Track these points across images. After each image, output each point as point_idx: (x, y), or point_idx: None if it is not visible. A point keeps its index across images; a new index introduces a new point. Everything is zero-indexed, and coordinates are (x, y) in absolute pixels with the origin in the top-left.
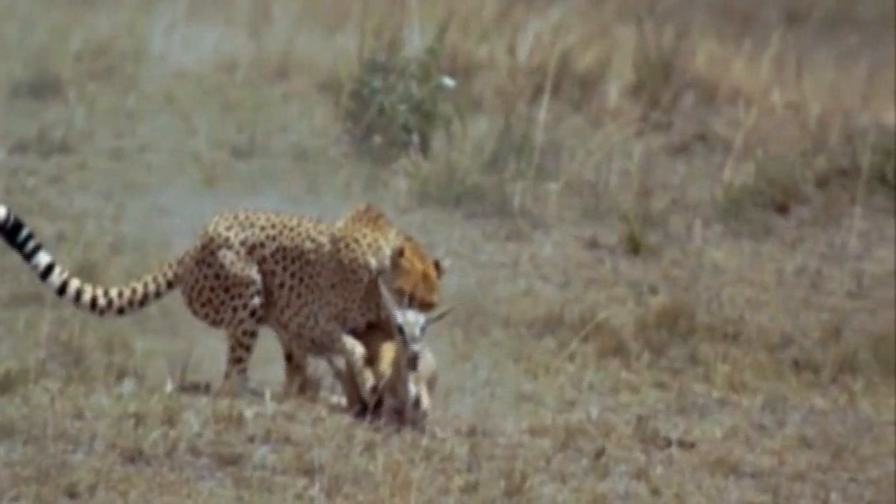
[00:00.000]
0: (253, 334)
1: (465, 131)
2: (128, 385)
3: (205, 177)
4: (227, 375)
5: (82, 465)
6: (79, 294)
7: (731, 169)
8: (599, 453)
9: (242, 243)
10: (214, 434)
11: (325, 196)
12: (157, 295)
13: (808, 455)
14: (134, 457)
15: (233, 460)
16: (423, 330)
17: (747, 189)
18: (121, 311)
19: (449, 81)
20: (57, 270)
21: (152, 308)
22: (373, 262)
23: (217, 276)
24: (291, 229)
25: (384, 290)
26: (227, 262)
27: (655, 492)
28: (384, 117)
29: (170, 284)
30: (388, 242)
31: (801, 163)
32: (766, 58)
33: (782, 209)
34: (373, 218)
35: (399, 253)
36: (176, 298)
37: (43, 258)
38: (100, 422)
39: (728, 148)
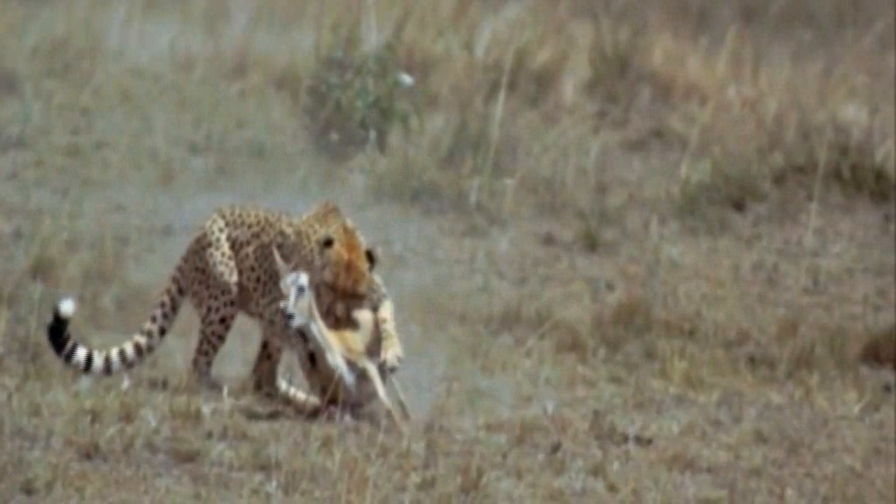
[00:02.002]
0: (221, 337)
1: (422, 128)
2: (84, 382)
3: (162, 173)
4: (193, 363)
5: (39, 462)
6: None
7: (687, 165)
8: (556, 449)
9: (231, 244)
10: (171, 430)
11: (283, 192)
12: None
13: (763, 450)
14: (91, 453)
15: (190, 457)
16: (299, 290)
17: (704, 185)
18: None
19: (406, 78)
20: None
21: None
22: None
23: (203, 272)
24: (270, 225)
25: (277, 258)
26: (212, 262)
27: (612, 487)
28: (341, 114)
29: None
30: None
31: (758, 159)
32: (722, 54)
33: (739, 206)
34: (324, 213)
35: (326, 243)
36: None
37: (80, 353)
38: (56, 418)
39: (684, 144)
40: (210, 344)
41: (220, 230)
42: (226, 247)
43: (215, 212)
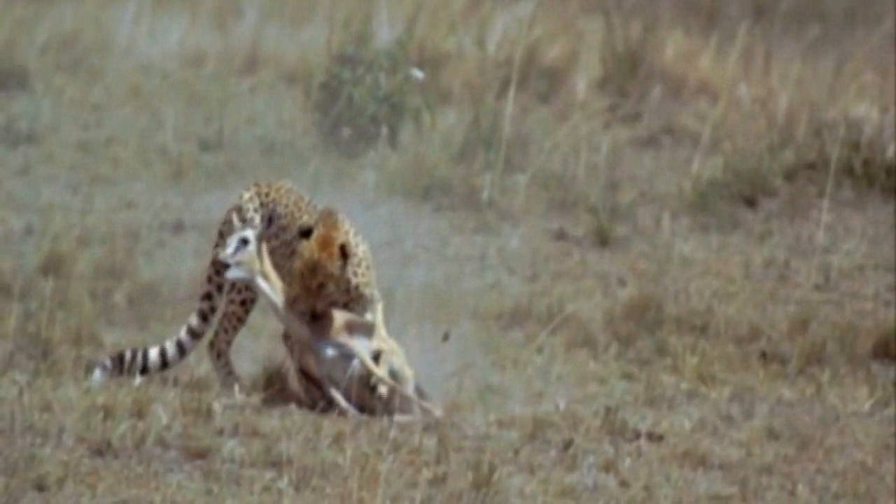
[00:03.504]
0: (241, 319)
1: (434, 124)
2: (96, 378)
3: (172, 170)
4: (211, 344)
5: (50, 458)
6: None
7: (698, 162)
8: (567, 445)
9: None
10: (183, 427)
11: None
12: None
13: (775, 446)
14: (102, 450)
15: (201, 453)
16: (242, 241)
17: (715, 182)
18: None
19: (417, 74)
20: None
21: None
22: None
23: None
24: (293, 216)
25: (234, 219)
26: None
27: (624, 484)
28: (352, 110)
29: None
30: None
31: (769, 156)
32: (733, 51)
33: (750, 202)
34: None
35: (303, 233)
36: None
37: (153, 353)
38: (68, 415)
39: (696, 141)
40: (230, 324)
41: (255, 210)
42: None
43: (253, 185)
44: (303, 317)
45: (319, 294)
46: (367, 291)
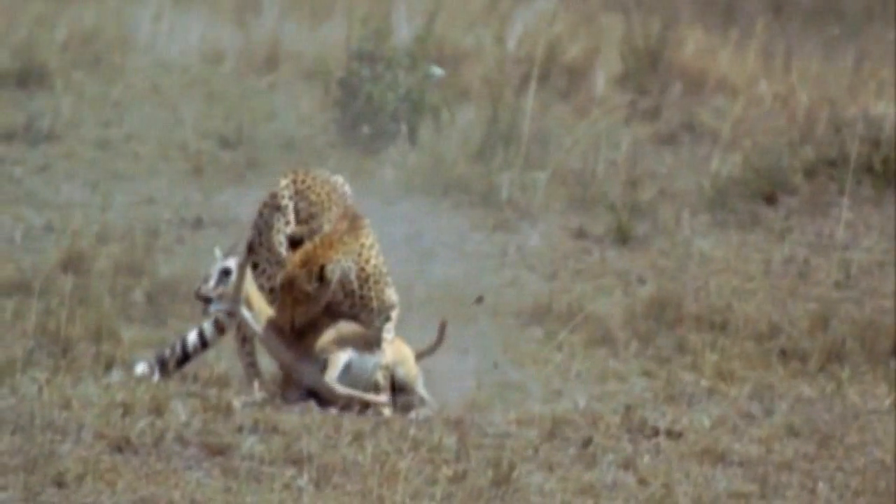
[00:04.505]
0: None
1: (453, 121)
2: (115, 375)
3: (191, 166)
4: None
5: (70, 455)
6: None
7: (718, 159)
8: (587, 443)
9: (296, 214)
10: (202, 424)
11: None
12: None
13: (795, 444)
14: (121, 446)
15: (220, 450)
16: (223, 272)
17: (735, 179)
18: None
19: (437, 71)
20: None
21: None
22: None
23: (266, 234)
24: (323, 209)
25: (217, 252)
26: (275, 229)
27: (643, 481)
28: (372, 107)
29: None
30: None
31: (789, 153)
32: (752, 48)
33: (770, 199)
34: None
35: (293, 242)
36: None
37: (191, 337)
38: (87, 411)
39: (716, 138)
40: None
41: (290, 198)
42: (291, 217)
43: (291, 172)
44: (284, 337)
45: (294, 310)
46: (375, 304)
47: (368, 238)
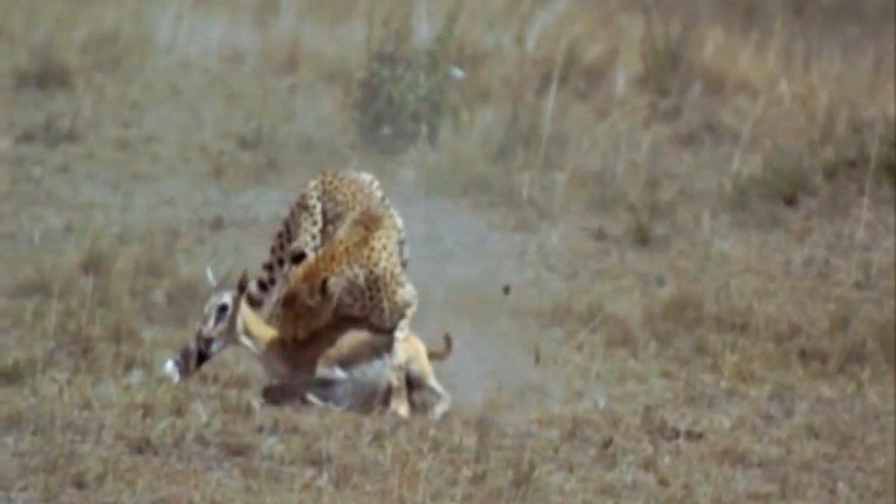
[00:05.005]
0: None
1: (473, 121)
2: (136, 375)
3: (211, 167)
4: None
5: (90, 455)
6: None
7: (738, 159)
8: (607, 443)
9: (323, 215)
10: (222, 424)
11: None
12: None
13: (815, 444)
14: (142, 447)
15: (241, 450)
16: (220, 309)
17: (755, 180)
18: None
19: (457, 72)
20: None
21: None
22: None
23: (289, 231)
24: (348, 209)
25: (209, 276)
26: (301, 228)
27: (663, 482)
28: (392, 107)
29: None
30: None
31: (809, 154)
32: (772, 48)
33: (790, 200)
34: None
35: (295, 258)
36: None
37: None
38: (107, 412)
39: (736, 138)
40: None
41: (318, 198)
42: (318, 217)
43: (320, 173)
44: (284, 354)
45: (297, 324)
46: (386, 307)
47: (380, 240)
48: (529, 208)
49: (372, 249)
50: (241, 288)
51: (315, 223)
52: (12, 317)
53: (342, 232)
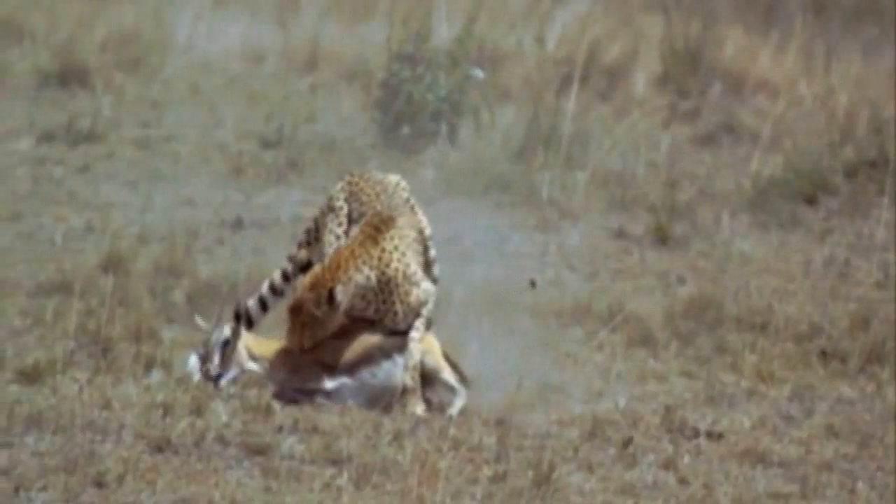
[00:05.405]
0: None
1: (493, 121)
2: (156, 375)
3: (232, 167)
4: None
5: (110, 455)
6: None
7: (758, 160)
8: (627, 443)
9: (348, 217)
10: (242, 424)
11: None
12: None
13: (835, 444)
14: (162, 447)
15: (261, 450)
16: (224, 345)
17: (775, 180)
18: None
19: (477, 72)
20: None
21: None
22: None
23: (317, 230)
24: (372, 209)
25: (198, 321)
26: (327, 230)
27: (683, 481)
28: (412, 107)
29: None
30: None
31: (829, 154)
32: (792, 49)
33: (810, 200)
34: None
35: (302, 267)
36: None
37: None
38: (128, 412)
39: (755, 138)
40: None
41: (345, 199)
42: (343, 219)
43: (348, 174)
44: (289, 365)
45: (303, 333)
46: (399, 308)
47: (392, 241)
48: (550, 208)
49: (383, 250)
50: (238, 317)
51: (340, 224)
52: (33, 316)
53: (351, 236)
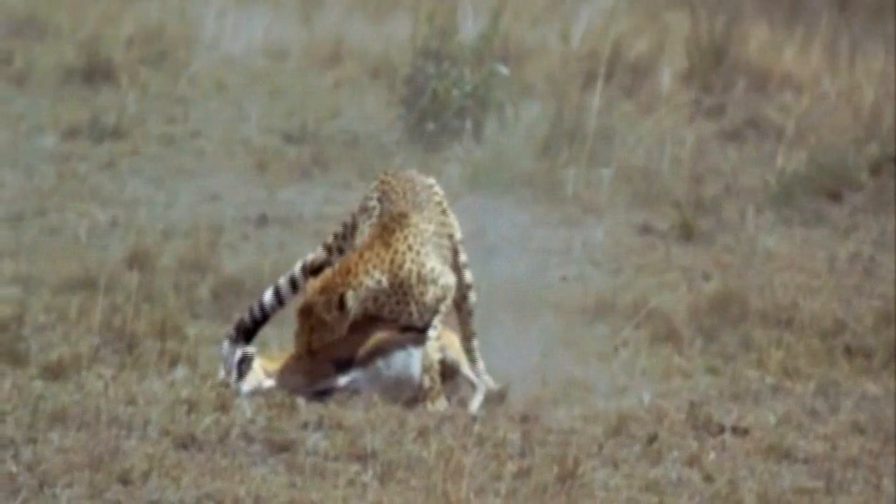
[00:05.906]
0: None
1: (518, 117)
2: (181, 371)
3: (256, 163)
4: None
5: (135, 452)
6: None
7: (783, 155)
8: (652, 439)
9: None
10: (267, 420)
11: None
12: None
13: (860, 440)
14: (187, 443)
15: (285, 446)
16: (245, 363)
17: (800, 176)
18: None
19: (502, 68)
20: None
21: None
22: None
23: (351, 228)
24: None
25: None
26: (359, 230)
27: (708, 478)
28: (437, 103)
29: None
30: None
31: (854, 150)
32: (817, 45)
33: (835, 196)
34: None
35: (312, 271)
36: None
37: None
38: (153, 408)
39: (780, 134)
40: None
41: (378, 199)
42: (376, 218)
43: (382, 174)
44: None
45: (312, 336)
46: (414, 308)
47: (405, 241)
48: (574, 204)
49: (395, 252)
50: (239, 327)
51: (373, 224)
52: (57, 312)
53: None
